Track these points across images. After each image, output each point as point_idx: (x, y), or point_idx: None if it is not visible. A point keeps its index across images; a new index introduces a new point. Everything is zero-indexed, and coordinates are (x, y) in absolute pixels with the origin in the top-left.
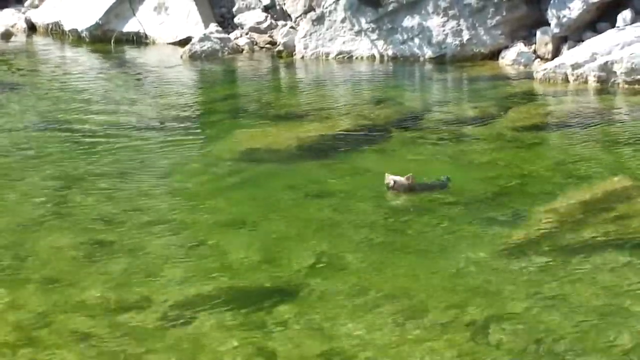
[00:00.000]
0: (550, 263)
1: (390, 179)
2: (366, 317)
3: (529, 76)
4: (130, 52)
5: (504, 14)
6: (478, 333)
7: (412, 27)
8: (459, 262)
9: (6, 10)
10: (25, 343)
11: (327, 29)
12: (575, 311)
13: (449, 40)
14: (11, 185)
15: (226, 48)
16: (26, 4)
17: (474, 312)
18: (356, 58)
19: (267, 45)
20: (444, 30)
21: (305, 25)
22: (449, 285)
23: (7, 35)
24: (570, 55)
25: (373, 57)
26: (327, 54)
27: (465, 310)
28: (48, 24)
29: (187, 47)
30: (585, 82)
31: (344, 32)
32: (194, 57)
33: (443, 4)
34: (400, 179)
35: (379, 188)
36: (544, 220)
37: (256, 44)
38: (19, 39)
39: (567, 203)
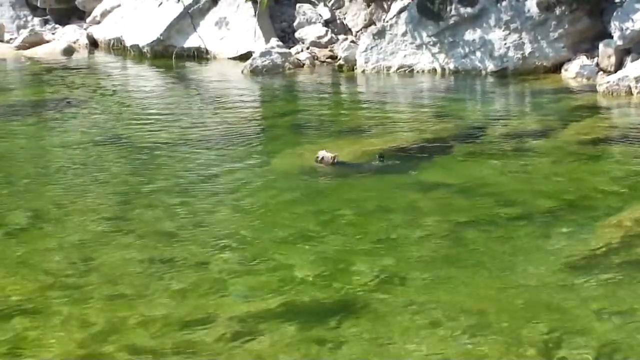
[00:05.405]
0: (617, 278)
1: (320, 153)
2: (429, 333)
3: (592, 89)
4: (191, 68)
5: (566, 26)
6: (546, 349)
7: (474, 40)
8: (524, 277)
9: (68, 27)
10: (90, 359)
11: (388, 43)
12: None
13: (511, 53)
14: (74, 201)
15: (287, 63)
16: (88, 20)
17: (540, 328)
18: (417, 72)
19: (328, 60)
20: (505, 44)
21: (366, 39)
22: (514, 300)
23: (69, 51)
24: (633, 67)
25: (434, 70)
26: (388, 68)
27: (531, 326)
28: (109, 40)
29: (248, 62)
30: None
31: (405, 45)
32: (255, 72)
33: (505, 17)
34: (327, 155)
35: (440, 202)
36: (608, 234)
37: (317, 58)
38: (81, 54)
39: (631, 217)
